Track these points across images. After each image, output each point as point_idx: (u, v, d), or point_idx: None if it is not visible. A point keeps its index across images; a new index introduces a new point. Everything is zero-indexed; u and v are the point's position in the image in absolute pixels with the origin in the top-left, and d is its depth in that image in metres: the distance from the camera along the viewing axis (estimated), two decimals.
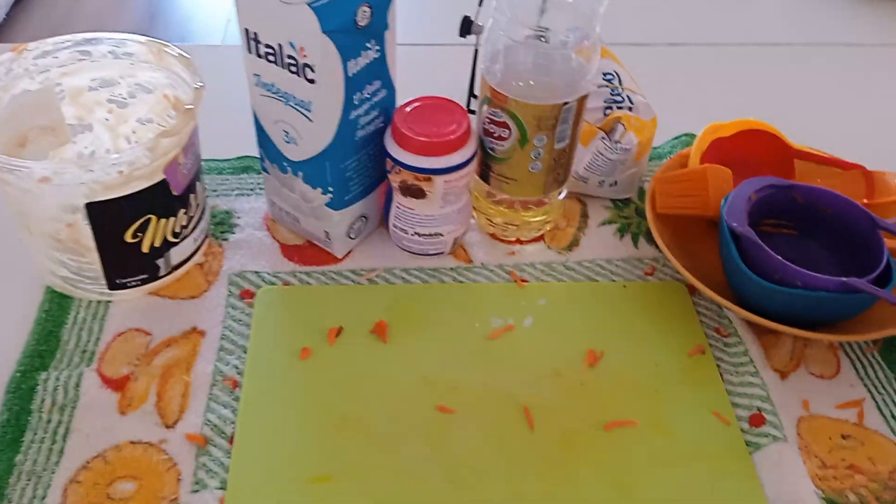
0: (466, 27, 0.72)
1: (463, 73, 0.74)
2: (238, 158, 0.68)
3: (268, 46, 0.51)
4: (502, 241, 0.64)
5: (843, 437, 0.52)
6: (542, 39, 0.54)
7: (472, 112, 0.74)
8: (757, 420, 0.51)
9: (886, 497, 0.49)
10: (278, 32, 0.50)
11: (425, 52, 0.84)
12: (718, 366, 0.55)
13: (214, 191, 0.66)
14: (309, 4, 0.48)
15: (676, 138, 0.73)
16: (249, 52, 0.52)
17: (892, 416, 0.53)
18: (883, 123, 0.79)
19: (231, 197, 0.65)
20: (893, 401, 0.54)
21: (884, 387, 0.55)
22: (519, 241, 0.64)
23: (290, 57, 0.50)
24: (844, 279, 0.51)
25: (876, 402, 0.54)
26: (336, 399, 0.52)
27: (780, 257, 0.52)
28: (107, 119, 0.61)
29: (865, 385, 0.55)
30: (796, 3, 0.99)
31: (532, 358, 0.55)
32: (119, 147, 0.62)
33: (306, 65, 0.49)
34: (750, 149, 0.65)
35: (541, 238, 0.64)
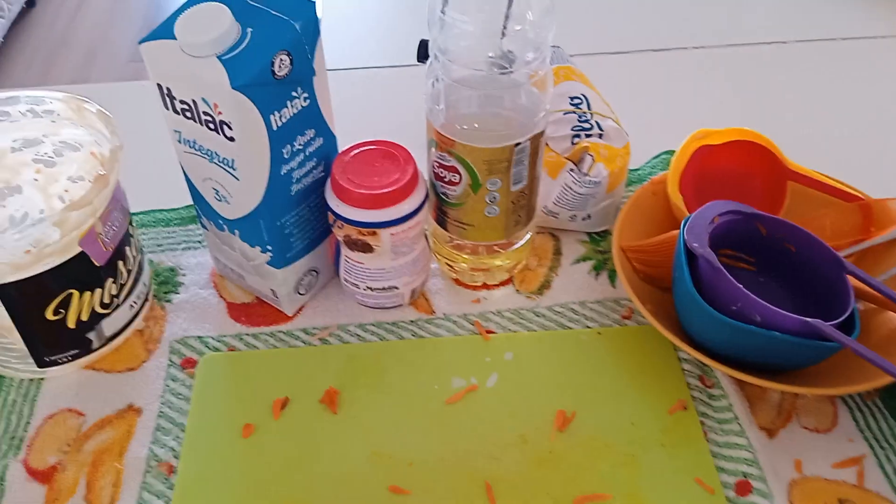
0: (424, 51, 0.67)
1: (411, 98, 0.69)
2: (185, 207, 0.64)
3: (183, 102, 0.46)
4: (467, 286, 0.59)
5: (841, 501, 0.46)
6: (505, 69, 0.49)
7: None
8: (743, 488, 0.46)
9: None
10: (190, 88, 0.45)
11: (382, 74, 0.79)
12: (702, 422, 0.50)
13: (160, 245, 0.62)
14: (218, 57, 0.43)
15: (656, 157, 0.68)
16: (166, 107, 0.48)
17: None
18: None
19: (177, 251, 0.61)
20: None
21: (886, 440, 0.49)
22: (486, 286, 0.59)
23: (205, 114, 0.46)
24: (808, 319, 0.45)
25: (878, 458, 0.48)
26: (278, 483, 0.47)
27: (741, 286, 0.47)
28: (35, 180, 0.57)
29: (866, 438, 0.49)
30: None
31: (495, 423, 0.50)
32: (53, 207, 0.58)
33: (223, 122, 0.45)
34: (740, 162, 0.59)
35: (509, 281, 0.59)
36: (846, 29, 0.85)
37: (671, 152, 0.68)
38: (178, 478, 0.48)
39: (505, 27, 0.47)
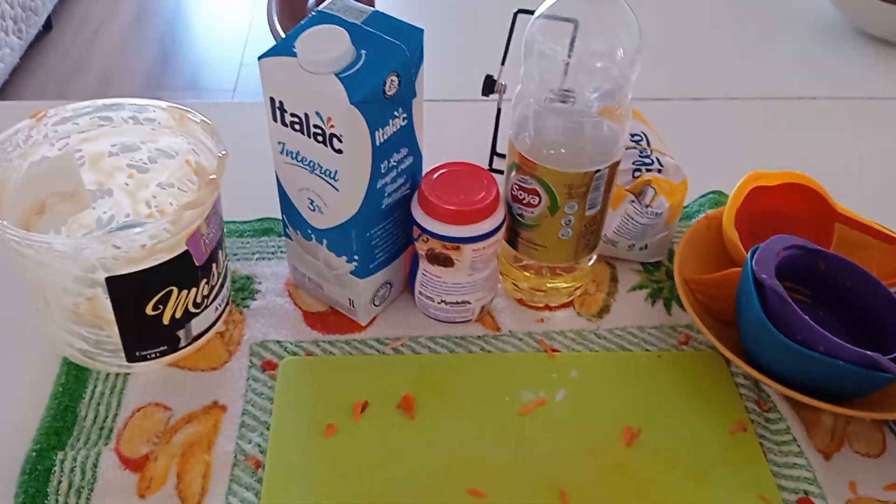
0: (489, 86, 0.71)
1: (487, 129, 0.73)
2: (258, 220, 0.67)
3: (293, 115, 0.49)
4: (530, 307, 0.62)
5: None
6: (568, 102, 0.53)
7: (496, 171, 0.73)
8: None
9: None
10: (305, 102, 0.48)
11: (450, 107, 0.83)
12: (761, 444, 0.53)
13: (235, 254, 0.64)
14: (336, 75, 0.47)
15: (703, 196, 0.72)
16: (275, 120, 0.51)
17: None
18: None
19: (252, 261, 0.64)
20: None
21: None
22: (548, 307, 0.62)
23: (316, 126, 0.49)
24: (870, 353, 0.49)
25: None
26: (363, 481, 0.49)
27: (807, 318, 0.50)
28: (126, 184, 0.59)
29: None
30: (824, 54, 0.98)
31: (566, 435, 0.53)
32: (139, 212, 0.61)
33: (333, 135, 0.48)
34: (790, 203, 0.63)
35: (570, 304, 0.62)
36: (887, 89, 0.91)
37: (717, 192, 0.72)
38: (265, 472, 0.49)
39: (567, 67, 0.51)
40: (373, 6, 0.53)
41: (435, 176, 0.55)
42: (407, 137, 0.52)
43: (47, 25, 2.65)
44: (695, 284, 0.59)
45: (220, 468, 0.50)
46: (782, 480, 0.50)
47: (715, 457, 0.52)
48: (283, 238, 0.60)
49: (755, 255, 0.53)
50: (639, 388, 0.56)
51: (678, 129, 0.77)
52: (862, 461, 0.52)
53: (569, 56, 0.50)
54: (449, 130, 0.76)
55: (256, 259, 0.64)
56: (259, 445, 0.51)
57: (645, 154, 0.64)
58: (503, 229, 0.55)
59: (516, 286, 0.62)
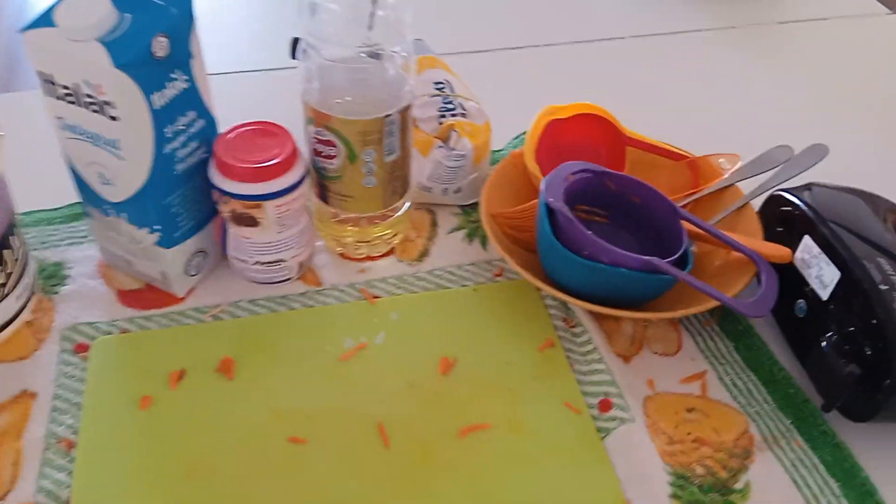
0: (296, 48, 0.71)
1: (291, 99, 0.73)
2: (68, 206, 0.65)
3: (65, 87, 0.48)
4: (352, 259, 0.63)
5: (689, 410, 0.53)
6: (374, 55, 0.54)
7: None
8: (605, 405, 0.53)
9: (733, 464, 0.50)
10: (72, 72, 0.47)
11: (251, 78, 0.83)
12: (568, 357, 0.56)
13: (44, 243, 0.62)
14: (98, 40, 0.46)
15: (516, 138, 0.75)
16: (48, 94, 0.50)
17: (734, 384, 0.55)
18: (715, 107, 0.83)
19: (62, 247, 0.62)
20: (734, 370, 0.56)
21: (724, 357, 0.57)
22: (370, 258, 0.63)
23: (88, 96, 0.48)
24: (647, 258, 0.53)
25: (717, 372, 0.56)
26: (181, 447, 0.49)
27: (590, 233, 0.53)
28: None
29: (707, 357, 0.57)
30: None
31: (385, 374, 0.54)
32: None
33: (105, 102, 0.47)
34: (585, 133, 0.67)
35: (391, 252, 0.64)
36: (671, 25, 0.97)
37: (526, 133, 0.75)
38: (78, 451, 0.49)
39: (372, 20, 0.52)
40: None
41: (229, 136, 0.55)
42: (192, 100, 0.52)
43: None
44: (500, 218, 0.61)
45: (31, 454, 0.49)
46: (586, 387, 0.54)
47: (525, 374, 0.55)
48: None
49: (545, 183, 0.56)
50: (456, 321, 0.58)
51: (491, 79, 0.79)
52: (659, 360, 0.57)
53: (371, 16, 0.51)
54: (253, 101, 0.76)
55: (67, 245, 0.62)
56: (72, 427, 0.50)
57: (448, 101, 0.66)
58: (304, 183, 0.56)
59: (338, 241, 0.63)
